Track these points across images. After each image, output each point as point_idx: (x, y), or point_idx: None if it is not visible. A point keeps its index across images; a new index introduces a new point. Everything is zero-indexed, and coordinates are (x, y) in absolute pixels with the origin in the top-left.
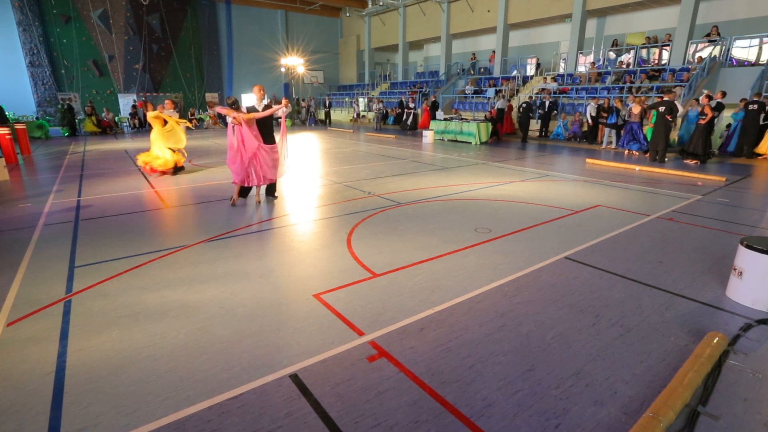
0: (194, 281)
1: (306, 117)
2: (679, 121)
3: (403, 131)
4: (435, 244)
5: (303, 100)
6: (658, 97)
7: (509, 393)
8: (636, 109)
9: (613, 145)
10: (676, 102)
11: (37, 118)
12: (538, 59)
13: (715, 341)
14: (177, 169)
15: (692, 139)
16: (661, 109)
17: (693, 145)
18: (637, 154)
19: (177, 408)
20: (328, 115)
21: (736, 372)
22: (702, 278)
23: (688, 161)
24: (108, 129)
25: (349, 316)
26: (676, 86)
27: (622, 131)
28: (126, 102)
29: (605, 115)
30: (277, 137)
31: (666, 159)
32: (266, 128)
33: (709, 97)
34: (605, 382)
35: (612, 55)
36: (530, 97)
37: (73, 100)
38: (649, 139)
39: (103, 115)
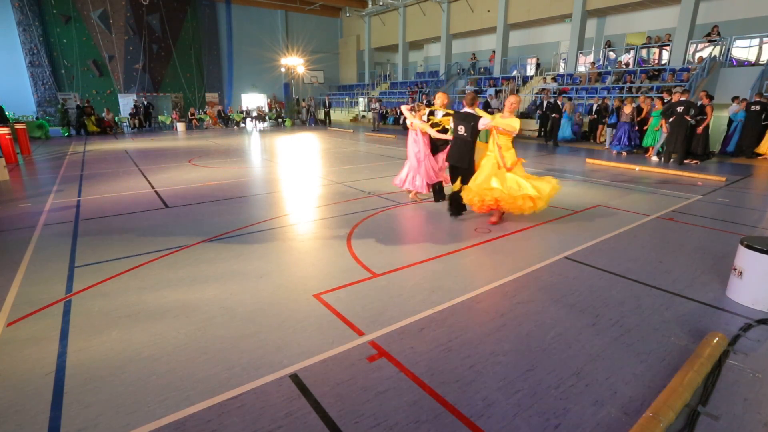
0: (194, 281)
1: (306, 117)
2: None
3: (404, 131)
4: (435, 244)
5: (303, 100)
6: (658, 98)
7: (509, 393)
8: (627, 109)
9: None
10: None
11: (37, 118)
12: (538, 59)
13: (715, 341)
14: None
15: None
16: (680, 108)
17: (693, 145)
18: (625, 154)
19: (177, 408)
20: (328, 115)
21: (736, 372)
22: (702, 278)
23: (688, 161)
24: (108, 129)
25: (349, 316)
26: (676, 86)
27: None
28: (126, 102)
29: (605, 114)
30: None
31: (672, 159)
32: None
33: (710, 97)
34: (605, 382)
35: (612, 55)
36: (554, 96)
37: (74, 99)
38: (642, 141)
39: (104, 115)
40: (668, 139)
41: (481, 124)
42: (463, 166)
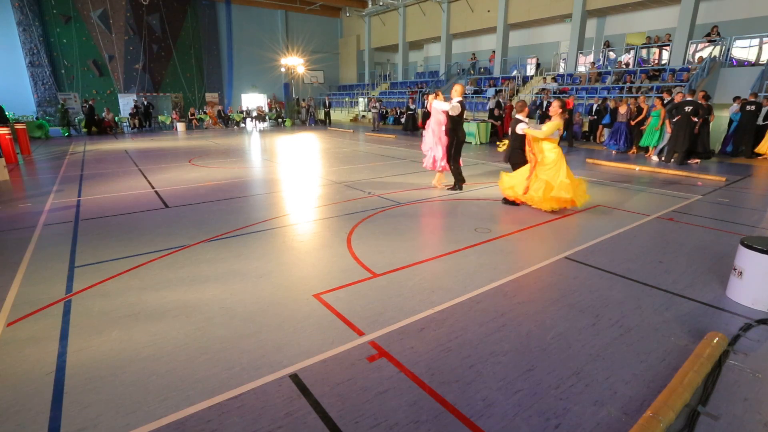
0: (194, 281)
1: (306, 117)
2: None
3: (404, 131)
4: (435, 244)
5: (303, 100)
6: (658, 98)
7: (509, 393)
8: (622, 109)
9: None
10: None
11: (37, 118)
12: (538, 59)
13: (715, 341)
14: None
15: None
16: (687, 109)
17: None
18: (623, 153)
19: (177, 408)
20: (327, 115)
21: (736, 372)
22: (702, 278)
23: (690, 161)
24: (108, 129)
25: (349, 316)
26: (676, 86)
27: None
28: (126, 102)
29: (605, 115)
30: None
31: (673, 159)
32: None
33: (708, 98)
34: (605, 382)
35: (612, 55)
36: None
37: (74, 99)
38: (640, 141)
39: (104, 115)
40: (672, 139)
41: (519, 129)
42: (505, 161)
